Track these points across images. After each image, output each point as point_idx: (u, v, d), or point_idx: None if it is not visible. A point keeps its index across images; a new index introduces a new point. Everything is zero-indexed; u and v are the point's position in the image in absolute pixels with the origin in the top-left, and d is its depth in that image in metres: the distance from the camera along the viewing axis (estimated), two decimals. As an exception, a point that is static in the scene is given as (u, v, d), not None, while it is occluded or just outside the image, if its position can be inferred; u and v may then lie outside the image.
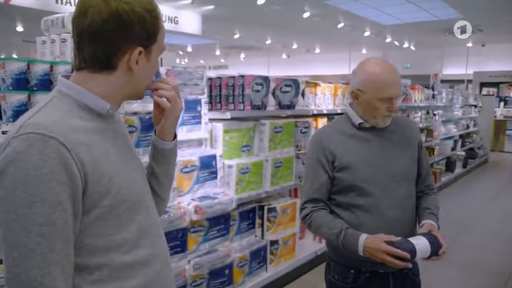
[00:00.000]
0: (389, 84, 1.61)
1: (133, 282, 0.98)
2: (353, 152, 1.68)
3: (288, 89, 3.40)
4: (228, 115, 2.90)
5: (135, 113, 2.38)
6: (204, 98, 2.85)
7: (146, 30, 0.96)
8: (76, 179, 0.86)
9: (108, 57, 0.95)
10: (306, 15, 8.49)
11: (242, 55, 17.50)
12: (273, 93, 3.25)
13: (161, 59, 3.07)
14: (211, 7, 8.18)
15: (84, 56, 0.96)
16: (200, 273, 2.62)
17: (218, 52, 16.46)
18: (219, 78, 3.17)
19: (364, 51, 15.13)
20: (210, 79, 3.18)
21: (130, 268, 0.97)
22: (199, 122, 2.82)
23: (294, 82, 3.46)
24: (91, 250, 0.92)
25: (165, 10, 7.87)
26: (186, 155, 2.66)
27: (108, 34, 0.92)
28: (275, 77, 3.27)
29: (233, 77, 3.07)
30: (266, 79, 3.16)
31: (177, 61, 20.21)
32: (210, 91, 3.18)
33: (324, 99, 3.96)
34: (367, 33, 10.81)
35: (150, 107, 2.47)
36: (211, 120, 2.93)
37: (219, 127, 2.92)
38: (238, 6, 8.14)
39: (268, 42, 13.00)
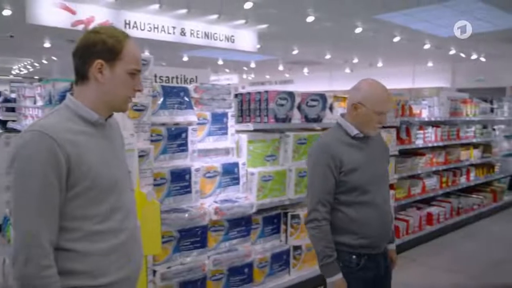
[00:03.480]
0: (385, 100, 1.99)
1: (99, 245, 1.31)
2: (355, 158, 2.00)
3: (314, 103, 3.61)
4: (251, 126, 3.19)
5: (163, 124, 2.76)
6: (230, 112, 3.17)
7: (107, 48, 1.33)
8: (61, 164, 1.23)
9: (81, 69, 1.35)
10: (358, 30, 8.60)
11: (306, 70, 17.72)
12: (299, 107, 3.48)
13: (196, 77, 3.46)
14: (265, 25, 8.58)
15: (75, 74, 1.36)
16: (219, 268, 2.90)
17: (281, 67, 16.86)
18: (248, 93, 3.48)
19: (430, 64, 14.67)
20: (241, 94, 3.53)
21: (98, 235, 1.31)
22: (226, 133, 3.14)
23: (321, 97, 3.67)
24: (70, 216, 1.27)
25: (222, 30, 8.44)
26: (210, 162, 2.99)
27: (80, 51, 1.35)
28: (300, 93, 3.51)
29: (259, 92, 3.37)
30: (290, 94, 3.42)
31: (244, 76, 20.97)
32: (242, 105, 3.52)
33: (354, 113, 4.08)
34: (427, 46, 10.57)
35: (177, 119, 2.86)
36: (238, 131, 3.24)
37: (244, 137, 3.21)
38: (289, 24, 8.46)
39: (328, 57, 13.12)
